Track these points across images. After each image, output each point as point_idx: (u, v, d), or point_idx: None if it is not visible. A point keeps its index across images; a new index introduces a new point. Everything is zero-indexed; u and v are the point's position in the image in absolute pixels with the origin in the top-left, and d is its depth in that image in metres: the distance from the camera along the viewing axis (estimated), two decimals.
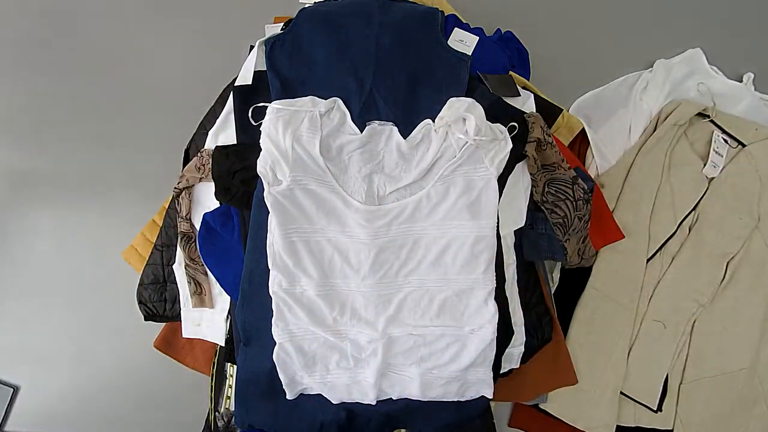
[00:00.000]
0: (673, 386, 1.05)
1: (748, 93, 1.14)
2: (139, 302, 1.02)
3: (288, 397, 0.88)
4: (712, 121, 1.09)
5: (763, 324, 1.06)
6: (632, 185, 1.06)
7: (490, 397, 0.88)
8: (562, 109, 1.05)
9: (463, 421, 0.90)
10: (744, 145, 1.08)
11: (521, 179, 0.92)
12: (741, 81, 1.16)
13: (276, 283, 0.85)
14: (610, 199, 1.06)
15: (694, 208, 1.06)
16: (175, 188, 0.94)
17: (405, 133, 0.88)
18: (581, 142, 1.11)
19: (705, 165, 1.07)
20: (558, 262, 1.03)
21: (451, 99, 0.87)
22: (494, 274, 0.87)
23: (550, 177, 0.92)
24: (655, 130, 1.09)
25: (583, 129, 1.07)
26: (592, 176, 1.06)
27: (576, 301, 1.06)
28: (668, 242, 1.06)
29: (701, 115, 1.09)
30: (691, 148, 1.08)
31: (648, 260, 1.05)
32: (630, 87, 1.14)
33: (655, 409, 1.04)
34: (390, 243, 0.86)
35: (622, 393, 1.04)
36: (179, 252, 0.96)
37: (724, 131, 1.09)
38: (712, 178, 1.07)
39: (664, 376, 1.04)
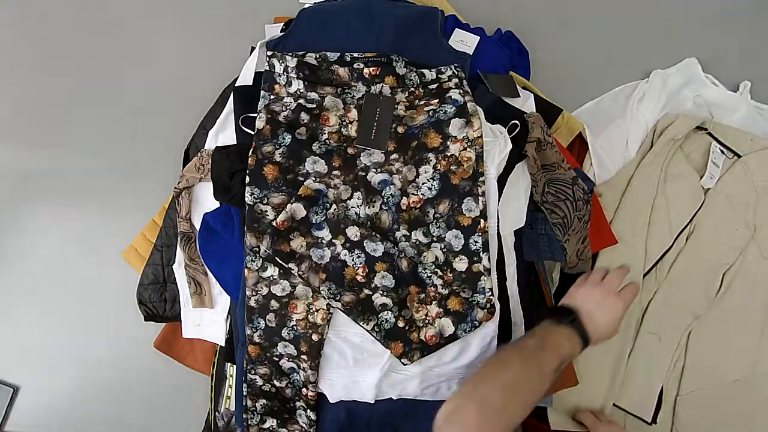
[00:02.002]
0: (669, 398, 1.05)
1: (744, 102, 1.13)
2: (139, 302, 1.02)
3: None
4: (708, 133, 1.08)
5: (760, 335, 1.05)
6: (629, 201, 1.05)
7: None
8: (562, 110, 1.05)
9: None
10: (739, 156, 1.07)
11: (521, 179, 0.92)
12: (737, 90, 1.15)
13: None
14: (608, 211, 1.05)
15: (690, 220, 1.06)
16: (175, 188, 0.94)
17: None
18: (579, 149, 1.11)
19: (702, 176, 1.06)
20: (558, 262, 1.03)
21: None
22: (495, 273, 0.87)
23: (550, 177, 0.92)
24: (652, 145, 1.08)
25: (581, 134, 1.07)
26: None
27: None
28: (665, 256, 1.05)
29: (698, 127, 1.08)
30: (686, 160, 1.07)
31: (644, 275, 1.04)
32: (627, 97, 1.13)
33: (649, 421, 1.03)
34: None
35: (614, 405, 1.04)
36: (179, 252, 0.96)
37: (719, 142, 1.08)
38: (708, 188, 1.07)
39: (659, 389, 1.04)
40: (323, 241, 0.84)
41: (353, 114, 0.88)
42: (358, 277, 0.83)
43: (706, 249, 1.05)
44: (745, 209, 1.06)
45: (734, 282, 1.05)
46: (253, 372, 0.88)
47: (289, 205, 0.84)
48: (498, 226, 0.88)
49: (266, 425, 0.91)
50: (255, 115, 0.88)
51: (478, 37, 1.01)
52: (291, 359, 0.87)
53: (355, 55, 0.89)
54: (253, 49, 0.95)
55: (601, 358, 1.03)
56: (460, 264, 0.85)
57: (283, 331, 0.85)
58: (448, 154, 0.85)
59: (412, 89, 0.90)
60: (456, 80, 0.90)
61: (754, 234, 1.06)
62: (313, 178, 0.86)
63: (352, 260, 0.83)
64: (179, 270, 0.97)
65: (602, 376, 1.03)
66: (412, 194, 0.85)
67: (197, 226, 0.94)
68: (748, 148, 1.07)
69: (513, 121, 0.90)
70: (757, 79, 1.15)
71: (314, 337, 0.85)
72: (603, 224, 1.02)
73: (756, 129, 1.11)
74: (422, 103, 0.89)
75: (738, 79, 1.15)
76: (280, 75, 0.89)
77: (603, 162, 1.09)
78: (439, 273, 0.85)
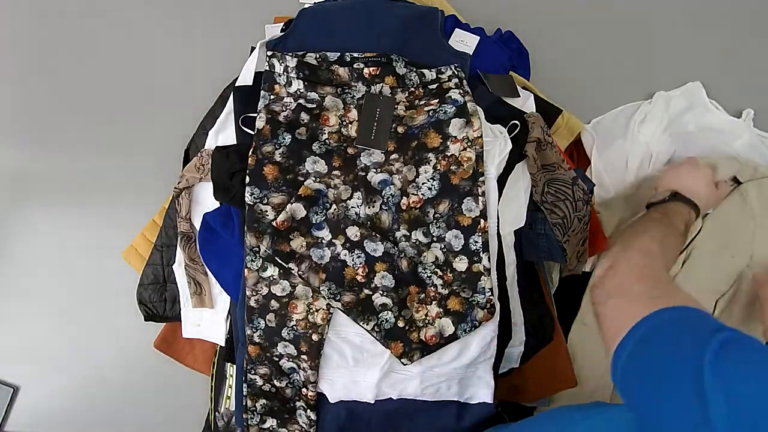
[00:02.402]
0: None
1: (747, 129, 1.12)
2: (139, 302, 1.02)
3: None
4: None
5: None
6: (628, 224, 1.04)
7: (490, 401, 0.88)
8: (562, 110, 1.05)
9: (466, 428, 0.89)
10: (740, 183, 1.06)
11: (521, 179, 0.92)
12: (740, 117, 1.14)
13: None
14: (606, 232, 1.05)
15: (687, 245, 1.05)
16: (175, 188, 0.94)
17: None
18: (578, 160, 1.12)
19: None
20: (558, 263, 1.03)
21: None
22: (495, 273, 0.87)
23: (550, 177, 0.92)
24: None
25: (582, 148, 1.07)
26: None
27: (576, 301, 1.06)
28: None
29: None
30: None
31: None
32: (628, 118, 1.12)
33: None
34: None
35: None
36: (179, 252, 0.96)
37: None
38: (707, 213, 1.05)
39: None
40: (323, 241, 0.84)
41: (353, 114, 0.88)
42: (358, 277, 0.83)
43: (701, 274, 1.04)
44: (743, 237, 1.04)
45: (727, 309, 1.04)
46: (253, 372, 0.88)
47: (289, 205, 0.84)
48: (498, 226, 0.88)
49: (266, 425, 0.91)
50: (255, 115, 0.88)
51: (478, 37, 1.01)
52: (291, 359, 0.87)
53: (355, 55, 0.89)
54: (253, 49, 0.95)
55: (592, 379, 1.03)
56: (460, 264, 0.85)
57: (283, 331, 0.85)
58: (448, 154, 0.85)
59: (412, 89, 0.90)
60: (456, 80, 0.90)
61: (750, 262, 1.04)
62: (313, 178, 0.86)
63: (352, 260, 0.83)
64: (179, 270, 0.97)
65: (605, 392, 1.03)
66: (412, 194, 0.85)
67: (197, 226, 0.94)
68: (750, 176, 1.06)
69: (513, 121, 0.90)
70: (760, 107, 1.14)
71: (314, 337, 0.85)
72: (597, 229, 1.02)
73: (758, 157, 1.10)
74: (422, 103, 0.89)
75: (741, 107, 1.14)
76: (280, 75, 0.89)
77: (602, 181, 1.09)
78: (439, 273, 0.85)
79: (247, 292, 0.85)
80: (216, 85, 1.02)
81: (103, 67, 1.18)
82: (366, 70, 0.88)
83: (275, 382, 0.88)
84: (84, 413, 1.17)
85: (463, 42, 1.01)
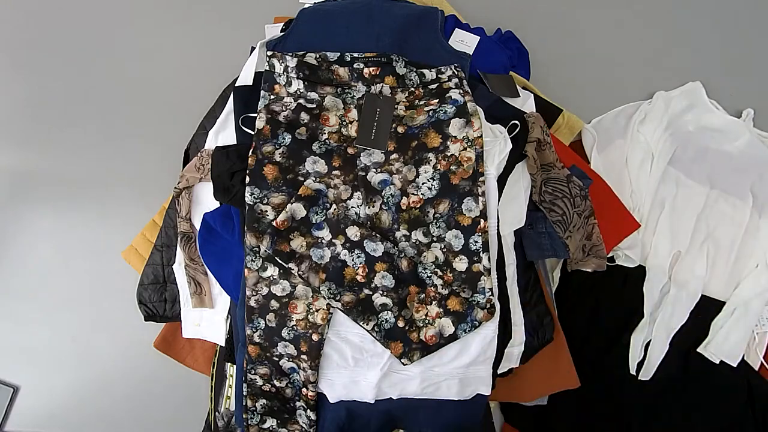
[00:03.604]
0: None
1: (747, 129, 1.12)
2: (139, 302, 1.02)
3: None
4: None
5: None
6: None
7: (487, 393, 0.88)
8: (562, 110, 1.05)
9: (463, 421, 0.90)
10: None
11: (521, 179, 0.92)
12: (740, 117, 1.14)
13: None
14: None
15: None
16: (175, 188, 0.94)
17: None
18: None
19: None
20: (560, 260, 1.03)
21: None
22: (495, 273, 0.87)
23: (546, 176, 0.92)
24: None
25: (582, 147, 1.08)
26: None
27: (576, 300, 1.06)
28: None
29: None
30: None
31: None
32: (628, 117, 1.12)
33: None
34: None
35: None
36: (179, 252, 0.96)
37: None
38: None
39: None
40: (323, 241, 0.84)
41: (353, 114, 0.88)
42: (358, 277, 0.83)
43: None
44: None
45: None
46: (253, 372, 0.88)
47: (289, 204, 0.84)
48: (498, 226, 0.88)
49: (266, 425, 0.91)
50: (255, 115, 0.88)
51: (478, 37, 1.01)
52: (291, 359, 0.87)
53: (355, 55, 0.89)
54: (253, 49, 0.95)
55: None
56: (460, 264, 0.85)
57: (283, 331, 0.85)
58: (448, 154, 0.85)
59: (412, 89, 0.90)
60: (456, 80, 0.90)
61: None
62: (313, 178, 0.86)
63: (352, 260, 0.83)
64: (179, 270, 0.97)
65: None
66: (412, 194, 0.85)
67: (197, 226, 0.94)
68: None
69: (513, 121, 0.90)
70: (760, 107, 1.14)
71: (314, 337, 0.85)
72: (622, 212, 1.01)
73: (758, 156, 1.10)
74: (422, 103, 0.89)
75: (741, 106, 1.14)
76: (280, 75, 0.89)
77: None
78: (439, 273, 0.85)
79: (247, 292, 0.85)
80: (216, 85, 1.02)
81: (103, 68, 1.18)
82: (366, 70, 0.88)
83: (275, 382, 0.88)
84: (84, 413, 1.17)
85: (463, 42, 1.01)
